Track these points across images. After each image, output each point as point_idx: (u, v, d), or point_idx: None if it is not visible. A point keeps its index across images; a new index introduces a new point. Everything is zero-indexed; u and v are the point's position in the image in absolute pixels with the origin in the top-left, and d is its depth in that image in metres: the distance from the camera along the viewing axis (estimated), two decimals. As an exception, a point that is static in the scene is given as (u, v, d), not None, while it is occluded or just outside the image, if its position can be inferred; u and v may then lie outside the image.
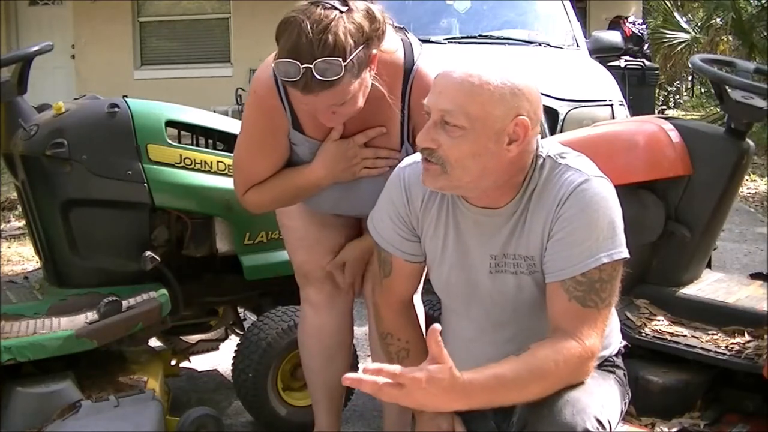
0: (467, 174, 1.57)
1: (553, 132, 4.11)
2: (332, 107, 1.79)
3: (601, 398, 1.57)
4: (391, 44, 1.90)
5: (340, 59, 1.69)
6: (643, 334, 2.22)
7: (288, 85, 1.79)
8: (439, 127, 1.55)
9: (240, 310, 3.03)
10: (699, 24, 13.27)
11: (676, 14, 12.48)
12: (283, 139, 1.99)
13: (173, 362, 2.86)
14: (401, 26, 1.99)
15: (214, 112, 3.19)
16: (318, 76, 1.69)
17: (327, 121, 1.87)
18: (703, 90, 16.77)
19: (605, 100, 4.45)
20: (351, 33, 1.71)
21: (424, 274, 1.85)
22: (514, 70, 1.56)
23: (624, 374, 1.78)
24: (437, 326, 1.39)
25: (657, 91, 11.84)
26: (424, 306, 2.08)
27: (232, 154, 2.59)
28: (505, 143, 1.55)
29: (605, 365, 1.73)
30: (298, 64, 1.69)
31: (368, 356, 2.36)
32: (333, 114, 1.82)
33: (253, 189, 2.04)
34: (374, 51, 1.80)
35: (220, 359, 3.22)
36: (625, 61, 8.52)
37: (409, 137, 1.97)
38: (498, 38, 5.03)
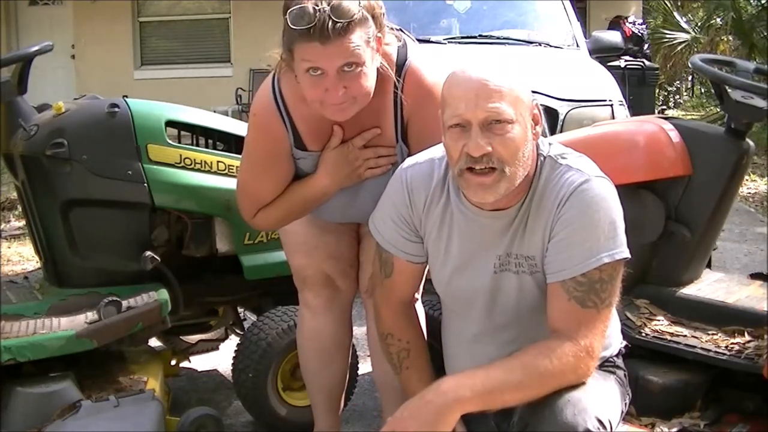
0: (521, 166, 1.58)
1: (553, 132, 4.09)
2: (343, 79, 1.73)
3: (601, 398, 1.57)
4: (387, 40, 1.89)
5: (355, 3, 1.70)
6: (643, 334, 2.22)
7: (301, 38, 1.71)
8: (485, 131, 1.54)
9: (240, 310, 3.03)
10: (699, 24, 13.27)
11: (676, 14, 12.48)
12: (286, 159, 1.97)
13: (173, 362, 2.85)
14: (398, 27, 1.98)
15: (214, 112, 3.19)
16: (333, 18, 1.67)
17: (336, 110, 1.80)
18: (703, 90, 16.77)
19: (605, 100, 4.44)
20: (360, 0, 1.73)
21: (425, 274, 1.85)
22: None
23: (624, 374, 1.78)
24: None
25: (657, 91, 11.84)
26: (424, 306, 2.07)
27: (232, 154, 2.60)
28: (532, 126, 1.60)
29: (606, 365, 1.73)
30: (314, 6, 1.68)
31: (368, 356, 2.36)
32: (344, 94, 1.75)
33: (261, 210, 2.02)
34: (379, 34, 1.80)
35: (220, 359, 3.22)
36: (625, 61, 8.51)
37: (403, 134, 1.95)
38: (498, 38, 5.02)
